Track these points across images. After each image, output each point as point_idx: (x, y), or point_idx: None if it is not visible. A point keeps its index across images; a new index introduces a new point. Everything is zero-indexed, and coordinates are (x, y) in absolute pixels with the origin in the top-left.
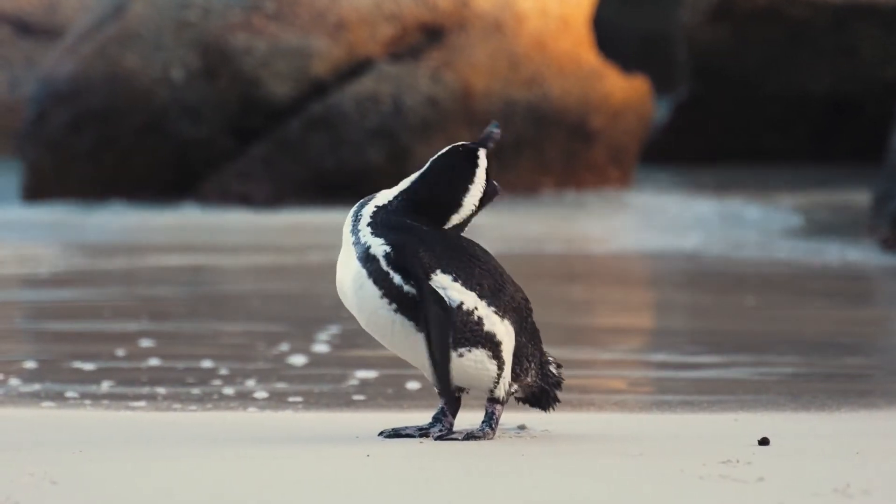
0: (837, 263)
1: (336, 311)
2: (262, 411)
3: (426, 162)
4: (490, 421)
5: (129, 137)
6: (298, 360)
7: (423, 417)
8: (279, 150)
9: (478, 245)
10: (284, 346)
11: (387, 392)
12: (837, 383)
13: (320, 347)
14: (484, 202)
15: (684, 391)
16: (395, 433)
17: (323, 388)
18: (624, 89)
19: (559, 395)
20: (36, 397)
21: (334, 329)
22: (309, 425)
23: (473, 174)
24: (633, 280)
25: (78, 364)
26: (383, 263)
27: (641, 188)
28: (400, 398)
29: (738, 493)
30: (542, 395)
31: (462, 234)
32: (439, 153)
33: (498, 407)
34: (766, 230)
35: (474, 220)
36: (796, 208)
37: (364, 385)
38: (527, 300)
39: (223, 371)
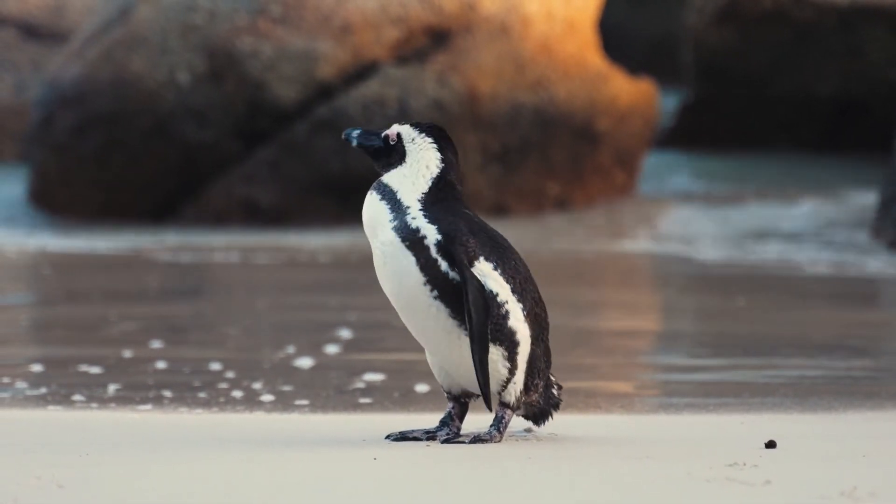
0: (843, 266)
1: (343, 314)
2: (269, 414)
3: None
4: (499, 424)
5: (136, 141)
6: (305, 362)
7: (431, 421)
8: (285, 154)
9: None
10: (291, 349)
11: (394, 395)
12: (844, 386)
13: (327, 350)
14: None
15: (690, 394)
16: (402, 436)
17: (330, 391)
18: (630, 92)
19: (557, 410)
20: (43, 400)
21: (341, 332)
22: (316, 428)
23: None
24: (638, 282)
25: (84, 367)
26: (433, 251)
27: (645, 187)
28: (407, 401)
29: (744, 495)
30: (540, 414)
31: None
32: (429, 141)
33: (508, 412)
34: (772, 232)
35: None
36: (801, 210)
37: (371, 388)
38: (546, 314)
39: (230, 374)
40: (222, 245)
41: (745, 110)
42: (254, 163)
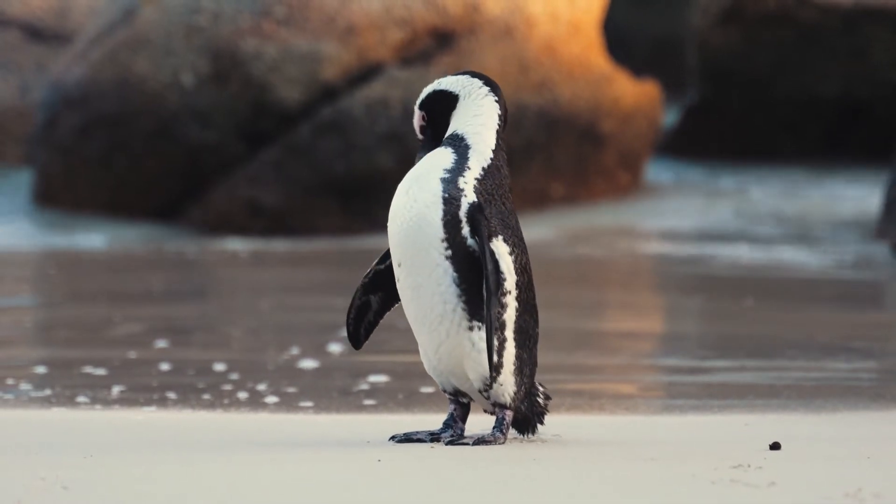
0: (848, 267)
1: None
2: (274, 415)
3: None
4: (500, 426)
5: (140, 142)
6: (310, 364)
7: (435, 422)
8: (289, 155)
9: None
10: (295, 351)
11: (398, 397)
12: (848, 387)
13: (331, 352)
14: None
15: (695, 395)
16: (407, 438)
17: (334, 392)
18: (634, 93)
19: (543, 422)
20: (47, 402)
21: (345, 333)
22: (320, 430)
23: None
24: (642, 284)
25: (89, 369)
26: (462, 211)
27: (649, 188)
28: (411, 403)
29: (749, 497)
30: (524, 421)
31: None
32: (487, 90)
33: (508, 412)
34: (776, 234)
35: None
36: (806, 211)
37: (375, 390)
38: (537, 324)
39: (234, 375)
40: (226, 246)
41: (748, 111)
42: (258, 164)
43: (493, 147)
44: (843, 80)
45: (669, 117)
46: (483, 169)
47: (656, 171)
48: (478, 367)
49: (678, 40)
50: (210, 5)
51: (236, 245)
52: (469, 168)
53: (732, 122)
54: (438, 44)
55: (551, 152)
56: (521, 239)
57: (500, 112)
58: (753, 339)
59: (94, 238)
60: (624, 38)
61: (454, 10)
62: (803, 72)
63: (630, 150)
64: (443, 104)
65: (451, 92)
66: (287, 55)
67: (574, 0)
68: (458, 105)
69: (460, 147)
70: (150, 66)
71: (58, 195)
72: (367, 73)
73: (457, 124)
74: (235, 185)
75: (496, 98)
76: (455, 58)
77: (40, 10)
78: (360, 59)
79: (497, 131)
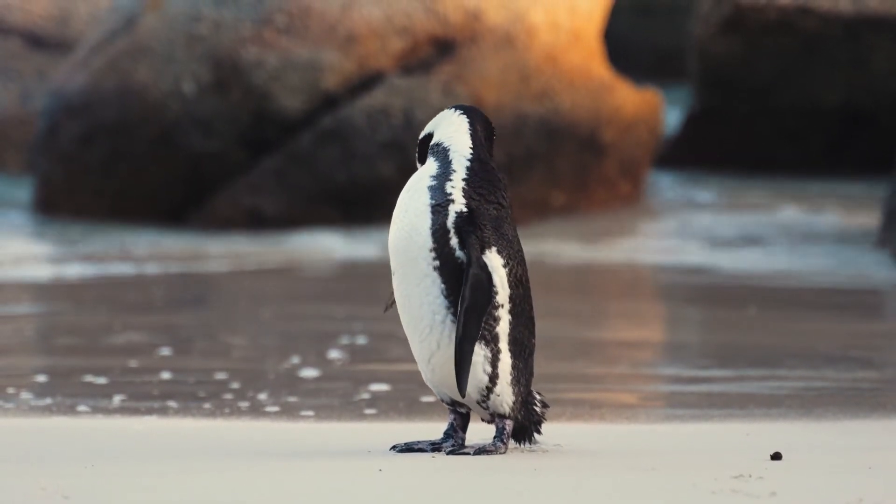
0: (848, 277)
1: (348, 324)
2: (274, 424)
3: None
4: (501, 436)
5: (141, 150)
6: (310, 373)
7: (436, 431)
8: (291, 164)
9: None
10: (296, 359)
11: (399, 406)
12: (849, 397)
13: (332, 361)
14: None
15: (696, 405)
16: (408, 447)
17: (335, 401)
18: (635, 102)
19: (540, 430)
20: (48, 411)
21: (346, 342)
22: (321, 439)
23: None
24: (642, 293)
25: (89, 377)
26: (450, 221)
27: (651, 197)
28: (412, 412)
29: None
30: (521, 430)
31: None
32: (458, 121)
33: (508, 422)
34: (777, 243)
35: None
36: (807, 221)
37: (376, 399)
38: (534, 335)
39: (235, 384)
40: (227, 254)
41: (750, 120)
42: (259, 172)
43: (472, 145)
44: (844, 89)
45: (670, 126)
46: (468, 169)
47: (657, 180)
48: (472, 379)
49: (679, 49)
50: (211, 14)
51: (237, 252)
52: (454, 170)
53: (734, 131)
54: (439, 52)
55: (552, 161)
56: (519, 249)
57: (468, 121)
58: (754, 349)
59: (94, 245)
60: (625, 47)
61: (455, 19)
62: (805, 80)
63: (631, 159)
64: (425, 146)
65: (428, 133)
66: (288, 64)
67: (575, 9)
68: (433, 135)
69: (439, 151)
70: (152, 75)
71: (59, 203)
72: (367, 81)
73: (434, 140)
74: (237, 192)
75: (462, 112)
76: (456, 66)
77: (41, 18)
78: (360, 67)
79: (471, 135)
